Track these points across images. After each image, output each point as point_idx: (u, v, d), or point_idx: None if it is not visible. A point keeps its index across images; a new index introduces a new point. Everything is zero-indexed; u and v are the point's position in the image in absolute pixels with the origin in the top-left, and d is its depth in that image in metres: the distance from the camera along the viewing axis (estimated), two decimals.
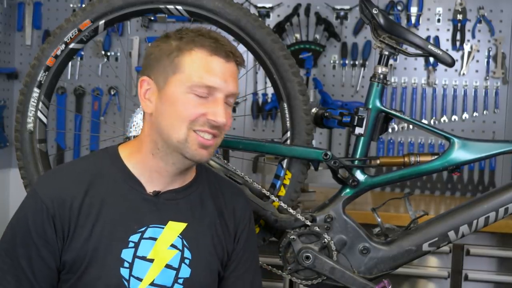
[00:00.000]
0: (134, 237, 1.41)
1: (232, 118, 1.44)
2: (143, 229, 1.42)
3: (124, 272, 1.39)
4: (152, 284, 1.41)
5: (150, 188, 1.45)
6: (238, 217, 1.55)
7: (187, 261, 1.45)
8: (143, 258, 1.41)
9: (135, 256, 1.40)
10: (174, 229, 1.45)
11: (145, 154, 1.44)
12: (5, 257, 1.41)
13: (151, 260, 1.42)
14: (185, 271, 1.44)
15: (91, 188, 1.41)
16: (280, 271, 1.86)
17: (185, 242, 1.45)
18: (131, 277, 1.39)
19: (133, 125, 1.95)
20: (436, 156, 1.82)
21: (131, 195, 1.43)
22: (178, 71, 1.38)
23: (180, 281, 1.44)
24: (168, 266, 1.43)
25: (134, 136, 1.78)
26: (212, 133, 1.40)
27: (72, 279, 1.40)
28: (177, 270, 1.44)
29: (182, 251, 1.45)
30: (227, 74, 1.40)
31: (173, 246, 1.44)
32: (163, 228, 1.44)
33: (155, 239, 1.42)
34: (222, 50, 1.39)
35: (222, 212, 1.53)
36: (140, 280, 1.40)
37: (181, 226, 1.46)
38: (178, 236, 1.45)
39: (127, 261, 1.40)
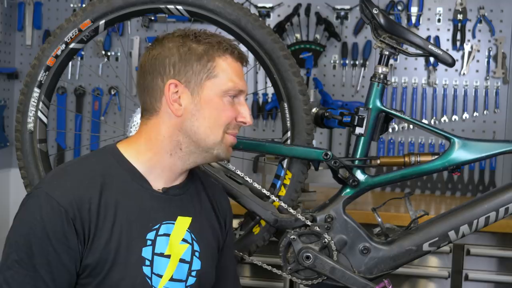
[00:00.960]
0: (151, 235, 1.44)
1: None
2: (157, 226, 1.45)
3: (146, 270, 1.42)
4: (171, 279, 1.45)
5: (156, 185, 1.47)
6: (225, 209, 1.64)
7: (197, 254, 1.50)
8: (161, 254, 1.44)
9: (153, 253, 1.43)
10: (183, 224, 1.49)
11: (159, 154, 1.45)
12: (19, 269, 1.34)
13: (168, 256, 1.45)
14: (197, 264, 1.50)
15: (104, 189, 1.40)
16: (280, 271, 1.86)
17: (193, 236, 1.50)
18: (152, 275, 1.42)
19: (134, 125, 1.95)
20: (436, 156, 1.82)
21: (141, 194, 1.45)
22: (212, 76, 1.44)
23: (193, 273, 1.49)
24: (182, 260, 1.47)
25: None
26: (237, 133, 1.51)
27: (93, 282, 1.38)
28: (190, 263, 1.49)
29: (192, 245, 1.50)
30: (243, 77, 1.51)
31: (184, 240, 1.49)
32: (173, 223, 1.48)
33: (168, 235, 1.46)
34: (240, 55, 1.49)
35: (214, 204, 1.61)
36: (161, 276, 1.43)
37: (188, 220, 1.51)
38: (187, 230, 1.50)
39: (147, 259, 1.42)
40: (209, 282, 1.56)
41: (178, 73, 1.43)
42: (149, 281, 1.41)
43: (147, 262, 1.42)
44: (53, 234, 1.33)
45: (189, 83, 1.43)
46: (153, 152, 1.45)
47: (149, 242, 1.43)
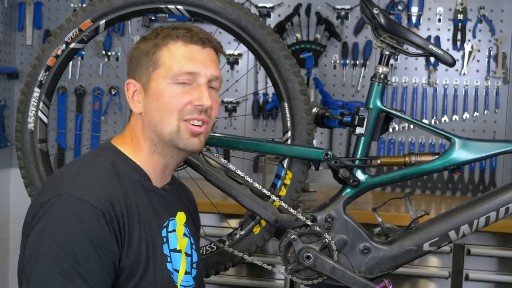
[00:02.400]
0: (164, 232, 1.46)
1: (219, 103, 1.50)
2: (166, 223, 1.47)
3: (170, 266, 1.44)
4: (185, 273, 1.49)
5: (155, 183, 1.49)
6: (193, 201, 1.69)
7: (194, 247, 1.55)
8: (175, 250, 1.47)
9: (169, 250, 1.45)
10: (181, 219, 1.53)
11: (146, 153, 1.46)
12: (62, 280, 1.25)
13: (180, 251, 1.48)
14: (195, 256, 1.54)
15: (123, 188, 1.38)
16: (280, 271, 1.86)
17: (188, 230, 1.54)
18: (173, 271, 1.45)
19: None
20: (436, 156, 1.82)
21: (149, 192, 1.46)
22: (158, 66, 1.42)
23: (194, 265, 1.53)
24: (186, 254, 1.50)
25: None
26: (201, 119, 1.44)
27: (131, 284, 1.35)
28: (191, 256, 1.52)
29: (190, 238, 1.54)
30: (206, 59, 1.45)
31: (184, 234, 1.52)
32: (175, 219, 1.51)
33: (174, 230, 1.49)
34: (196, 37, 1.44)
35: (187, 198, 1.66)
36: (178, 271, 1.46)
37: (183, 215, 1.55)
38: (183, 225, 1.53)
39: (168, 256, 1.44)
40: (202, 272, 1.62)
41: (134, 71, 1.46)
42: (172, 277, 1.44)
43: (169, 259, 1.44)
44: (96, 239, 1.28)
45: (141, 79, 1.44)
46: (143, 152, 1.46)
47: (164, 240, 1.45)
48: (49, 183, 1.43)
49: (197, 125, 1.43)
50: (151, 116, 1.43)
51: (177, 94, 1.41)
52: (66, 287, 1.25)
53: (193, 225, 1.62)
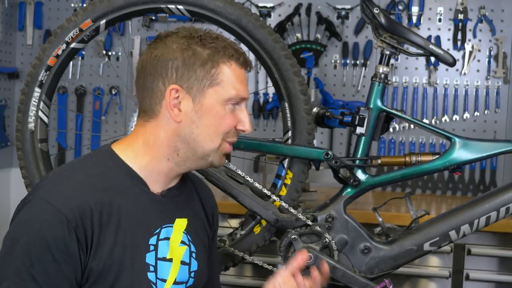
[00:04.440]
0: (153, 240, 1.41)
1: None
2: (158, 230, 1.43)
3: (151, 276, 1.40)
4: (174, 283, 1.44)
5: (153, 189, 1.44)
6: (212, 204, 1.64)
7: (194, 255, 1.49)
8: (164, 259, 1.43)
9: (157, 258, 1.41)
10: (180, 226, 1.48)
11: (157, 159, 1.42)
12: (14, 277, 1.28)
13: (170, 260, 1.44)
14: (194, 264, 1.49)
15: (105, 194, 1.35)
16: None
17: (189, 237, 1.49)
18: (157, 280, 1.41)
19: (135, 125, 1.95)
20: (437, 156, 1.82)
21: (141, 198, 1.42)
22: (216, 83, 1.39)
23: (192, 274, 1.49)
24: (182, 263, 1.46)
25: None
26: (235, 141, 1.47)
27: None
28: (189, 264, 1.48)
29: (189, 246, 1.49)
30: (246, 83, 1.47)
31: (182, 242, 1.47)
32: (172, 226, 1.46)
33: (168, 238, 1.44)
34: (247, 62, 1.45)
35: (202, 201, 1.60)
36: (165, 281, 1.42)
37: (184, 222, 1.49)
38: (183, 232, 1.48)
39: (151, 265, 1.40)
40: (203, 280, 1.55)
41: (181, 78, 1.38)
42: (154, 286, 1.40)
43: (151, 268, 1.40)
44: (53, 243, 1.28)
45: (191, 89, 1.39)
46: (151, 156, 1.42)
47: (151, 248, 1.41)
48: (39, 181, 1.44)
49: (231, 146, 1.47)
50: (194, 130, 1.40)
51: (228, 117, 1.41)
52: (15, 284, 1.28)
53: (202, 232, 1.56)
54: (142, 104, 1.44)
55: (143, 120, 1.44)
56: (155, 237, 1.42)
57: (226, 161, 1.86)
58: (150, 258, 1.40)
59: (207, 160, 1.44)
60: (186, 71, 1.38)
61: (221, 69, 1.39)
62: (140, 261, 1.38)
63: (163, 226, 1.44)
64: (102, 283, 1.34)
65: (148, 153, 1.42)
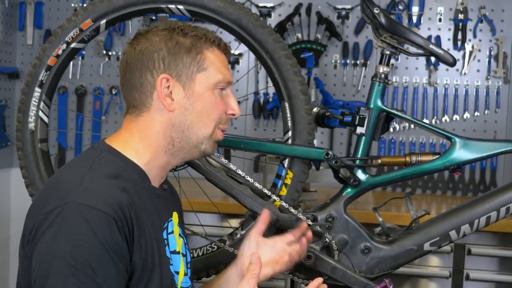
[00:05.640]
0: (164, 234, 1.45)
1: None
2: (166, 225, 1.46)
3: (172, 269, 1.43)
4: (184, 274, 1.48)
5: (154, 184, 1.46)
6: (178, 199, 1.65)
7: (187, 246, 1.54)
8: (175, 252, 1.46)
9: (170, 252, 1.44)
10: (176, 219, 1.52)
11: (156, 153, 1.43)
12: None
13: (179, 253, 1.47)
14: (188, 255, 1.54)
15: (128, 192, 1.34)
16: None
17: (181, 229, 1.53)
18: (174, 273, 1.44)
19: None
20: (437, 156, 1.82)
21: (150, 194, 1.43)
22: (203, 69, 1.42)
23: (189, 265, 1.52)
24: (183, 255, 1.50)
25: None
26: (226, 129, 1.50)
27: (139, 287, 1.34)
28: (186, 256, 1.52)
29: (183, 238, 1.53)
30: (229, 68, 1.51)
31: (179, 235, 1.51)
32: (172, 220, 1.49)
33: (172, 232, 1.48)
34: (227, 47, 1.48)
35: (175, 194, 1.63)
36: (178, 273, 1.46)
37: (177, 215, 1.53)
38: (178, 225, 1.51)
39: (170, 259, 1.43)
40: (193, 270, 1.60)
41: (169, 67, 1.40)
42: (174, 279, 1.44)
43: (171, 261, 1.43)
44: (109, 246, 1.25)
45: (180, 77, 1.40)
46: (152, 152, 1.42)
47: (165, 242, 1.44)
48: (50, 191, 1.36)
49: (223, 132, 1.49)
50: (188, 117, 1.41)
51: (219, 102, 1.44)
52: None
53: (182, 224, 1.59)
54: (132, 100, 1.43)
55: (133, 116, 1.43)
56: (165, 231, 1.45)
57: (226, 161, 1.86)
58: (167, 252, 1.43)
59: (200, 149, 1.45)
60: (173, 60, 1.40)
61: (205, 55, 1.42)
62: (163, 256, 1.41)
63: (169, 220, 1.48)
64: (142, 279, 1.34)
65: (148, 149, 1.42)
